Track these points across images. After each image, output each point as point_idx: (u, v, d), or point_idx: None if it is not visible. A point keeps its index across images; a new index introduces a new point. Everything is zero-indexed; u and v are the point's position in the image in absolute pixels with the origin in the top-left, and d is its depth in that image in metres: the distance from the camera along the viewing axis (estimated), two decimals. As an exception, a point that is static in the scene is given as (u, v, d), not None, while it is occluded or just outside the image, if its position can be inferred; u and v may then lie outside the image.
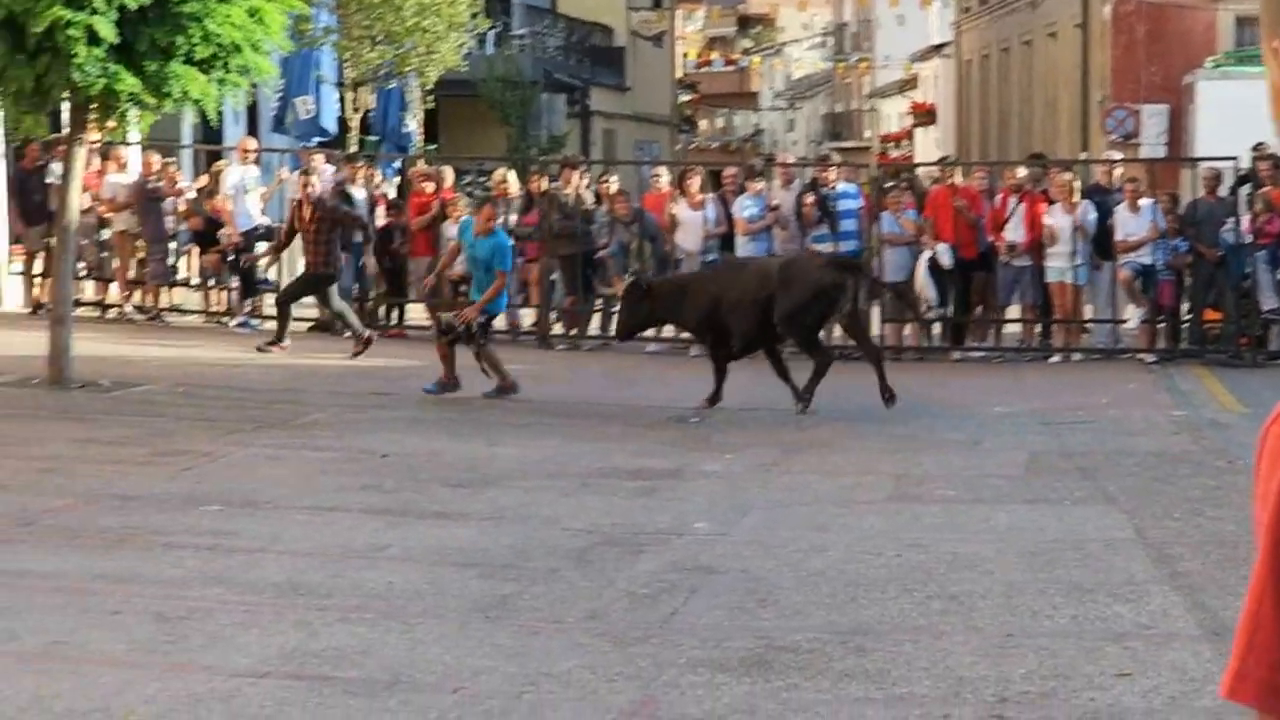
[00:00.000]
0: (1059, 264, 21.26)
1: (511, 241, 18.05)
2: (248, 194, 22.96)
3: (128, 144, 22.84)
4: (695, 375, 20.02)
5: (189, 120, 26.26)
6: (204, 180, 24.19)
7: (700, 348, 22.23)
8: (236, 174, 23.21)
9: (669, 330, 22.60)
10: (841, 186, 22.39)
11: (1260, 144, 21.56)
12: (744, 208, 21.90)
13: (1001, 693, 7.31)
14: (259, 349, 19.97)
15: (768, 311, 16.52)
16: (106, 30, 14.91)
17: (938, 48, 56.31)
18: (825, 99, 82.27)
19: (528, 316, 23.27)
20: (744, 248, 21.85)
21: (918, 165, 29.73)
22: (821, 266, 17.48)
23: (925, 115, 59.25)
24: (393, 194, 24.75)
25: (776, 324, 16.61)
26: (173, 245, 23.50)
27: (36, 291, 23.02)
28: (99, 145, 22.02)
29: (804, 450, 14.50)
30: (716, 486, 12.55)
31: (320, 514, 10.96)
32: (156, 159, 23.51)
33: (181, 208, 23.40)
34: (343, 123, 29.05)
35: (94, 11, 14.85)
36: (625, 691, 7.28)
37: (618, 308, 18.64)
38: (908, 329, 22.27)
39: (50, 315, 17.07)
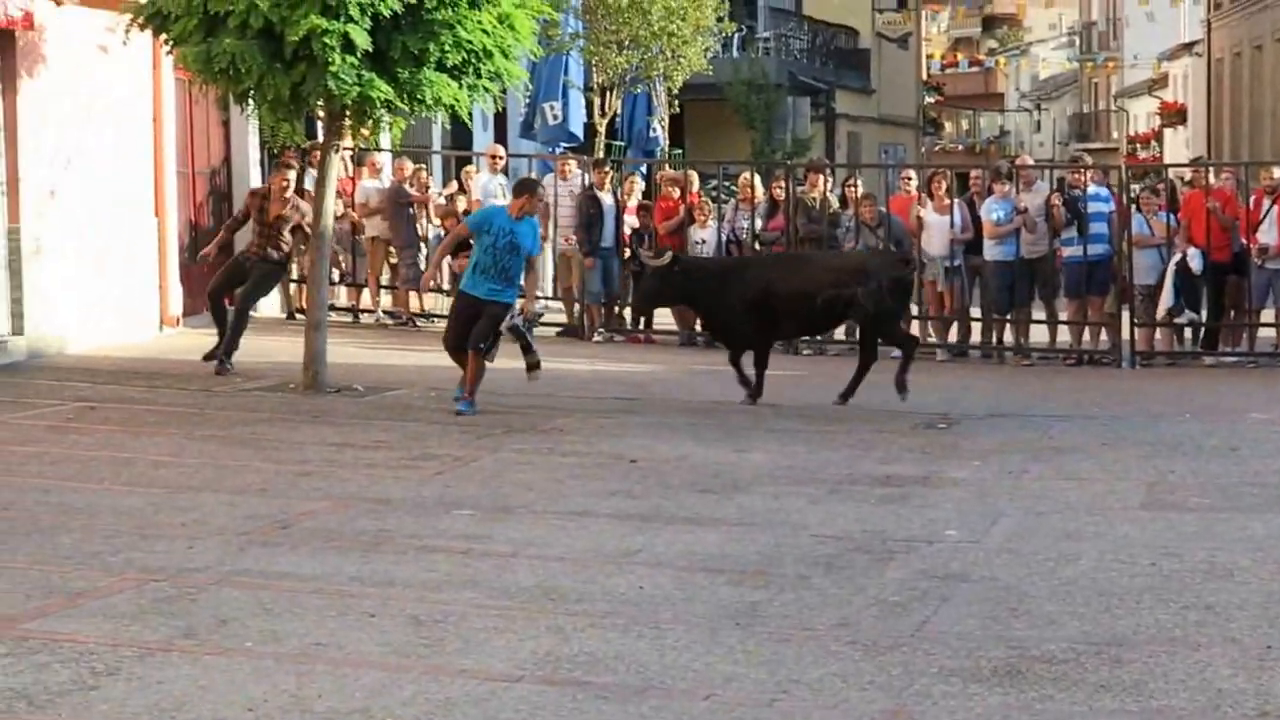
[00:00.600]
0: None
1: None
2: (496, 200, 23.24)
3: (380, 150, 23.21)
4: (937, 379, 19.90)
5: (439, 126, 26.66)
6: (453, 186, 24.52)
7: (944, 352, 22.14)
8: (485, 179, 23.51)
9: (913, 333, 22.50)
10: (1093, 188, 22.06)
11: None
12: (991, 210, 21.66)
13: (1262, 706, 7.14)
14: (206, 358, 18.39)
15: (827, 305, 17.09)
16: (361, 38, 15.16)
17: (1188, 46, 55.26)
18: (1072, 99, 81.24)
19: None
20: (991, 251, 21.63)
21: (1169, 165, 28.97)
22: (896, 261, 18.64)
23: (1175, 115, 58.21)
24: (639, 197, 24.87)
25: (861, 318, 17.48)
26: (424, 250, 23.78)
27: (293, 296, 23.48)
28: (353, 151, 22.43)
29: (1053, 456, 14.29)
30: (965, 494, 12.41)
31: (570, 519, 11.03)
32: (409, 165, 23.87)
33: (433, 213, 23.72)
34: (589, 128, 29.26)
35: (349, 19, 15.10)
36: (877, 700, 7.23)
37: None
38: (1159, 333, 21.84)
39: (306, 321, 17.40)
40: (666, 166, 26.12)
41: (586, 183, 23.38)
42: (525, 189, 16.14)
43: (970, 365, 21.90)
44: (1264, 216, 21.02)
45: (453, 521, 10.85)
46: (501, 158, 24.19)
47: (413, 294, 23.59)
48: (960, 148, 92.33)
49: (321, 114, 17.45)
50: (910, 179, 23.94)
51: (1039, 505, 11.95)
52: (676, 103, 31.86)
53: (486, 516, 11.04)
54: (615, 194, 23.46)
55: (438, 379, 17.48)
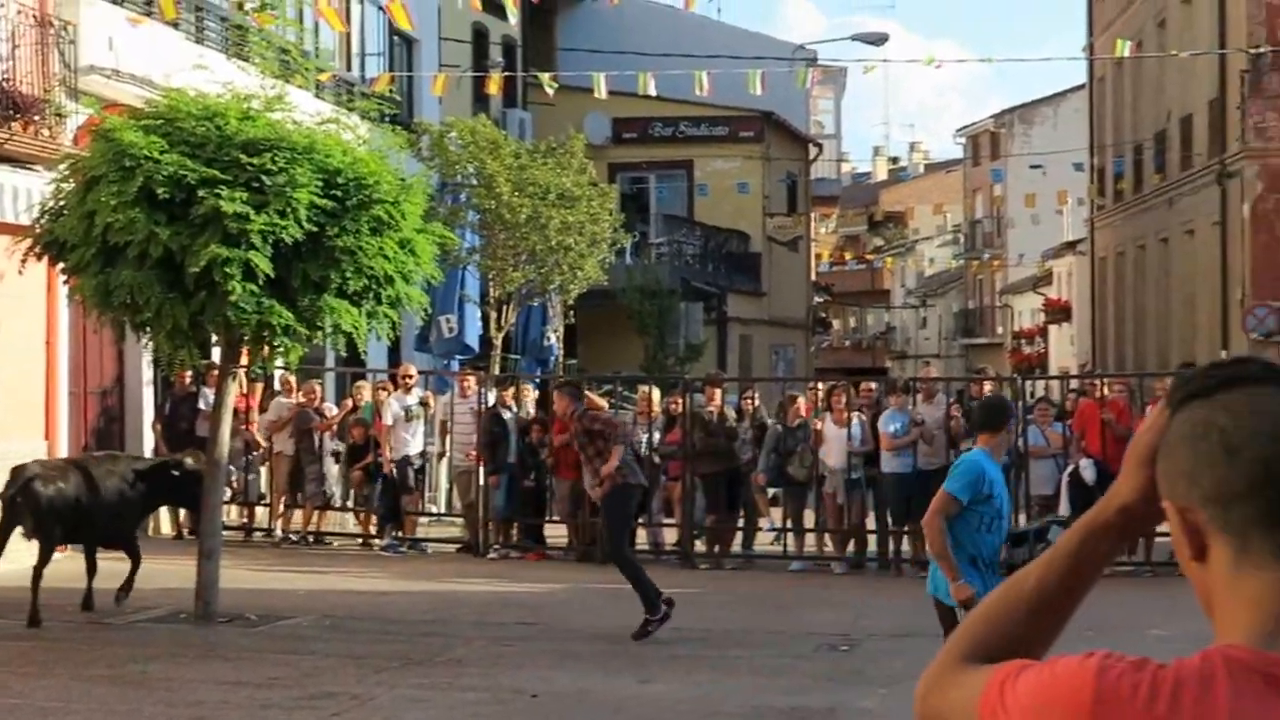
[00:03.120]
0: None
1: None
2: (409, 421, 23.24)
3: (289, 369, 23.11)
4: (843, 594, 19.85)
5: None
6: (347, 404, 24.31)
7: (842, 565, 22.16)
8: (396, 404, 23.42)
9: (811, 546, 22.51)
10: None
11: None
12: (888, 423, 21.78)
13: None
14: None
15: None
16: (263, 266, 15.09)
17: (1072, 244, 56.21)
18: (957, 295, 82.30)
19: (671, 534, 23.20)
20: (889, 463, 21.72)
21: (1062, 377, 29.31)
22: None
23: (1059, 312, 59.05)
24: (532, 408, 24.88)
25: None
26: (325, 467, 23.60)
27: (182, 518, 23.21)
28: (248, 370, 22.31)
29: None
30: (873, 728, 12.32)
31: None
32: (318, 388, 23.80)
33: (330, 430, 23.65)
34: (485, 340, 29.30)
35: (251, 247, 15.05)
36: None
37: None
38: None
39: (198, 549, 17.10)
40: (561, 376, 26.15)
41: (488, 400, 23.35)
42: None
43: (869, 578, 21.88)
44: (1159, 428, 21.21)
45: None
46: (411, 378, 24.02)
47: (315, 512, 23.51)
48: (849, 344, 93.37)
49: (219, 339, 17.33)
50: (796, 396, 24.13)
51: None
52: (572, 313, 31.99)
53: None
54: (515, 410, 23.47)
55: (331, 605, 17.27)
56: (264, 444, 23.62)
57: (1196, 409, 2.23)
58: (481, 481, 23.00)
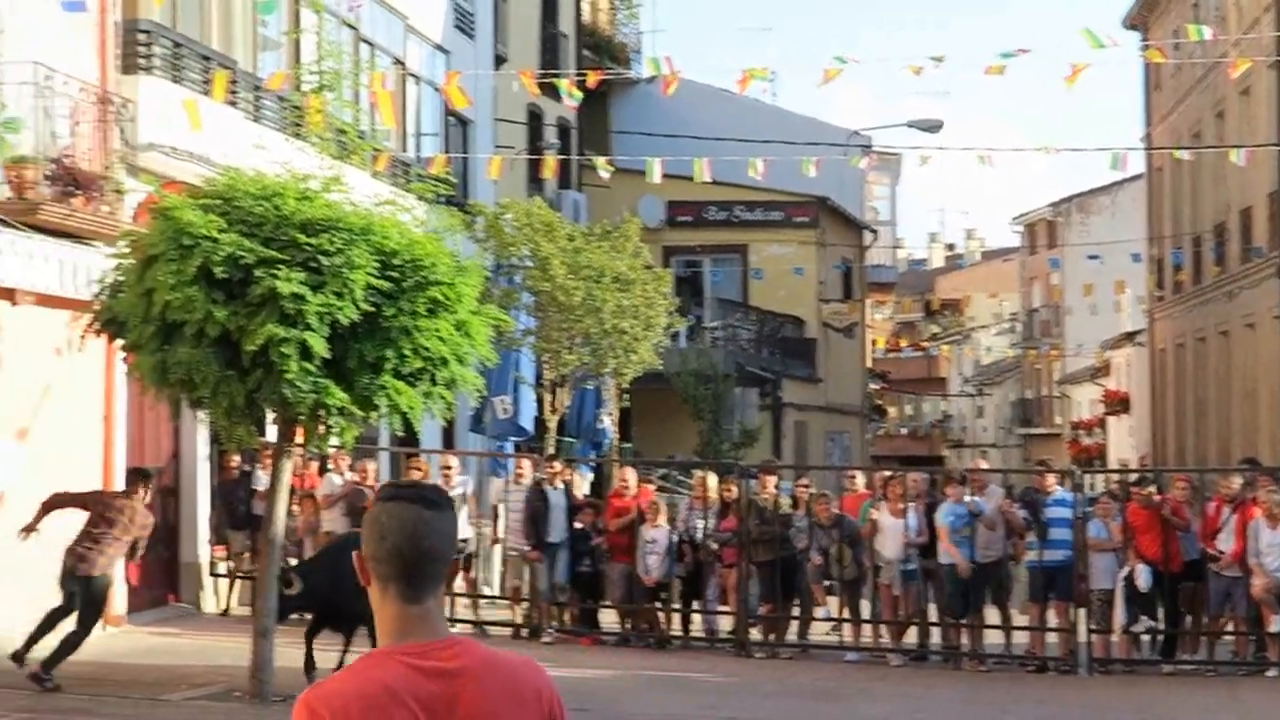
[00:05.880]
0: (1265, 579, 20.53)
1: None
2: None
3: (343, 448, 23.00)
4: (899, 686, 19.62)
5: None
6: (403, 483, 24.20)
7: (899, 656, 21.92)
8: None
9: (867, 636, 22.27)
10: (1059, 493, 21.99)
11: None
12: (946, 515, 21.55)
13: None
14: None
15: None
16: (319, 346, 15.01)
17: (1130, 335, 55.87)
18: (1014, 385, 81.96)
19: (725, 622, 22.99)
20: (945, 555, 21.50)
21: (1122, 471, 28.97)
22: None
23: (1118, 403, 58.64)
24: (587, 490, 24.73)
25: None
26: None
27: (223, 594, 23.13)
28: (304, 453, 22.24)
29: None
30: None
31: None
32: (371, 466, 23.64)
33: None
34: (539, 422, 29.22)
35: (307, 328, 14.99)
36: None
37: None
38: (1115, 638, 21.62)
39: (254, 627, 17.02)
40: (615, 463, 26.02)
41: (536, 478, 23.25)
42: None
43: (925, 670, 21.61)
44: (1223, 524, 20.95)
45: None
46: (451, 468, 23.70)
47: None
48: (905, 432, 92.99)
49: (274, 418, 17.27)
50: (855, 477, 24.10)
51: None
52: (626, 396, 31.90)
53: None
54: (567, 489, 23.30)
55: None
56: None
57: (378, 507, 3.89)
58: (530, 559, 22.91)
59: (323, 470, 23.83)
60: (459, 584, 23.53)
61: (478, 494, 25.08)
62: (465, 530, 23.52)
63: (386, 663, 3.72)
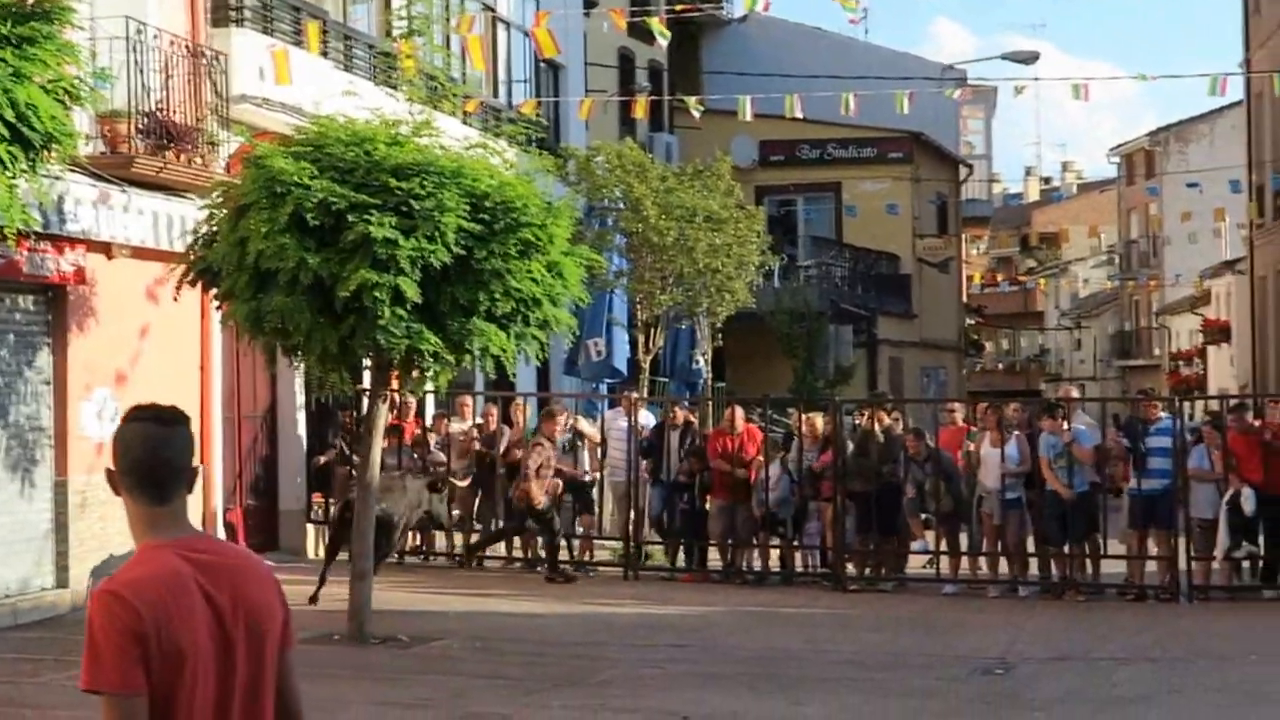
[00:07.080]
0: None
1: None
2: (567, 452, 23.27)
3: (426, 393, 23.09)
4: (997, 617, 19.62)
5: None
6: (506, 432, 24.00)
7: (999, 588, 21.86)
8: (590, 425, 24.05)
9: (965, 569, 22.23)
10: (1163, 422, 21.78)
11: None
12: (1048, 445, 21.43)
13: None
14: None
15: None
16: (412, 291, 15.11)
17: (1230, 264, 55.27)
18: (1112, 317, 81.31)
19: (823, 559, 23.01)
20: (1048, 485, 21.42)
21: (1222, 397, 28.62)
22: None
23: (1218, 332, 58.08)
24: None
25: None
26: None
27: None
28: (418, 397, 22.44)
29: (1120, 707, 13.98)
30: (1030, 751, 12.12)
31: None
32: (495, 411, 23.81)
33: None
34: (633, 363, 29.27)
35: (400, 272, 15.09)
36: None
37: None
38: (1216, 564, 21.47)
39: (351, 570, 17.20)
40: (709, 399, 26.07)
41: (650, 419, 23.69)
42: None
43: (1024, 601, 21.56)
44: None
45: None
46: (562, 414, 23.90)
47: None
48: (1001, 366, 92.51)
49: (369, 364, 17.43)
50: (954, 410, 24.06)
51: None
52: (719, 336, 31.88)
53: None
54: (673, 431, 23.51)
55: (482, 627, 17.26)
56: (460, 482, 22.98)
57: (120, 428, 4.48)
58: (638, 497, 23.10)
59: (419, 414, 23.97)
60: (576, 526, 23.67)
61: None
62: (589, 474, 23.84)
63: (163, 553, 4.32)
